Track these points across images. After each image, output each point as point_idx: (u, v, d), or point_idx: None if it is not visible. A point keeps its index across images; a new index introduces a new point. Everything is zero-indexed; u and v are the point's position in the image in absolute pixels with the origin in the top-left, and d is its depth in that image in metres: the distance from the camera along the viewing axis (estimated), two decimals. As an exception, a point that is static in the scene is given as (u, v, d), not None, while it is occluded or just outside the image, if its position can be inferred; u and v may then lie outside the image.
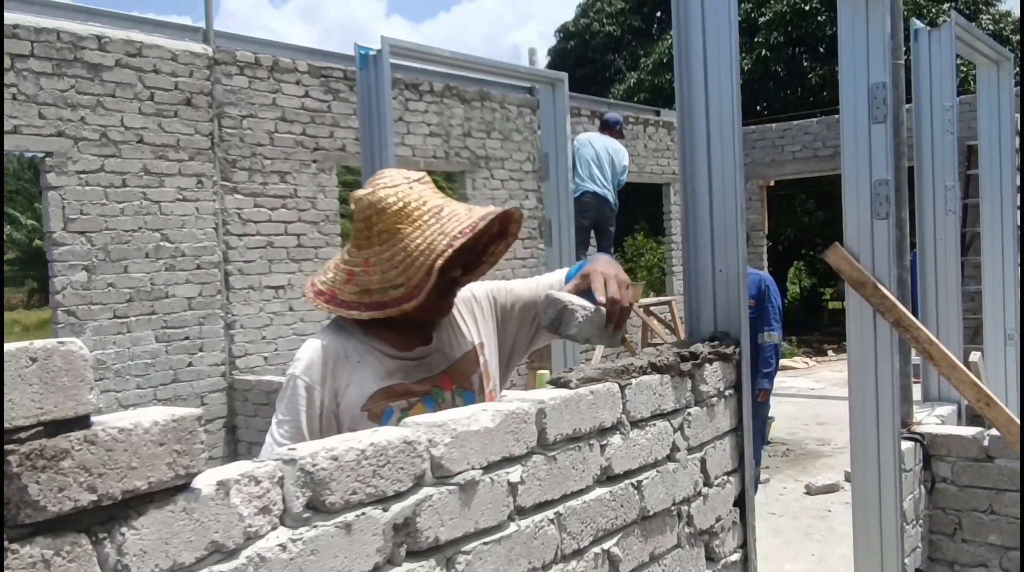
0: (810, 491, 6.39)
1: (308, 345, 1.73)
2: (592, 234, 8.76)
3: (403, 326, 1.74)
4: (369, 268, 1.68)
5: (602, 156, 8.37)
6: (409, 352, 1.76)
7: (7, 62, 6.08)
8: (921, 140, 3.80)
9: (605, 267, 1.77)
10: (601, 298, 1.68)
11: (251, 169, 7.46)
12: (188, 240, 7.05)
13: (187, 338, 7.04)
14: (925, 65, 3.75)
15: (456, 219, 1.68)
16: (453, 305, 1.82)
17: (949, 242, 3.82)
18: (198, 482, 0.96)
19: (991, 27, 17.37)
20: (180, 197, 7.02)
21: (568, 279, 1.89)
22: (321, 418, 1.67)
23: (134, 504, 0.89)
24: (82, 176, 6.47)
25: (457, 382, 1.81)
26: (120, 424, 0.89)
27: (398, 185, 1.69)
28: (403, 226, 1.65)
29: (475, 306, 1.92)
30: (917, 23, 3.80)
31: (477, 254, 1.88)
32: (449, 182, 13.06)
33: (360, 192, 1.72)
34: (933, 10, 16.15)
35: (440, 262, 1.61)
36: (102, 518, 0.87)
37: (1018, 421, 2.83)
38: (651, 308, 9.85)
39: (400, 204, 1.66)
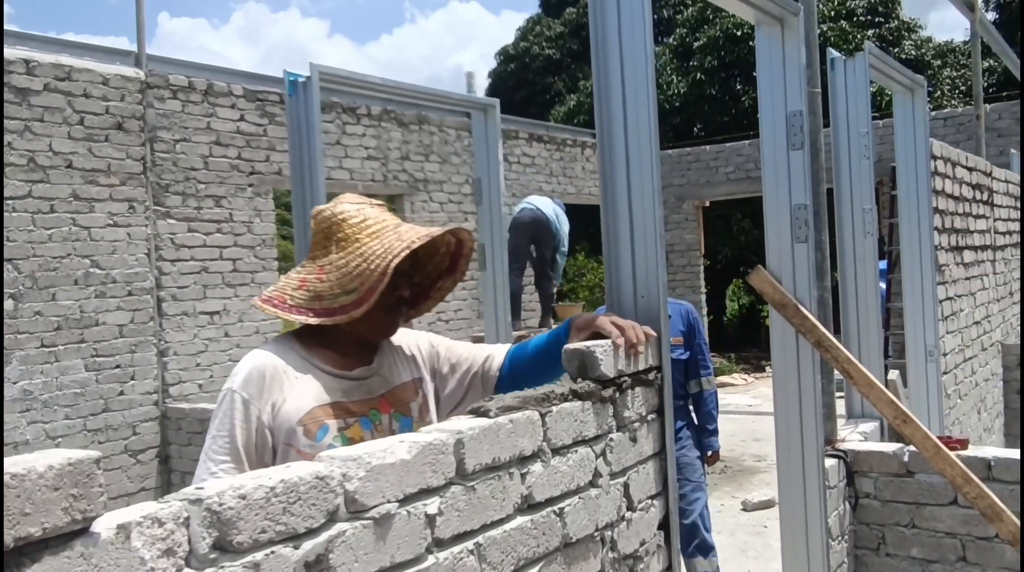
0: (746, 507, 6.49)
1: (247, 359, 1.73)
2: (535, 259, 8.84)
3: (346, 345, 1.77)
4: (323, 275, 1.72)
5: (547, 199, 8.66)
6: (349, 372, 1.78)
7: (-73, 85, 5.90)
8: (839, 165, 3.93)
9: (593, 317, 1.94)
10: (620, 341, 1.85)
11: (185, 193, 7.35)
12: (119, 266, 6.90)
13: (118, 366, 6.87)
14: (841, 93, 3.89)
15: (414, 230, 1.76)
16: (397, 327, 1.86)
17: (868, 263, 3.95)
18: (97, 526, 0.95)
19: (913, 53, 18.05)
20: (111, 222, 6.88)
21: (532, 347, 2.01)
22: (256, 433, 1.66)
23: (27, 552, 0.88)
24: (8, 202, 6.29)
25: (395, 407, 1.82)
26: (12, 469, 0.87)
27: (359, 204, 1.79)
28: (362, 236, 1.73)
29: (417, 348, 1.96)
30: (833, 52, 3.94)
31: (424, 290, 1.95)
32: (389, 205, 13.07)
33: (319, 207, 1.81)
34: (858, 36, 16.71)
35: (396, 262, 1.67)
36: (-8, 568, 0.85)
37: (934, 437, 2.93)
38: (591, 328, 9.92)
39: (361, 217, 1.75)
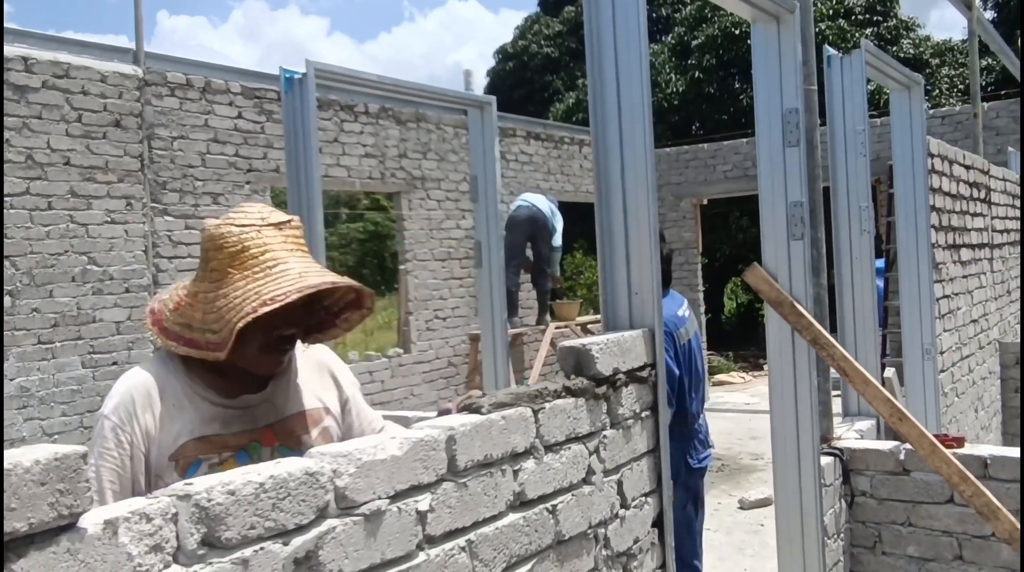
0: (743, 505, 6.49)
1: (123, 380, 1.62)
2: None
3: (230, 371, 1.63)
4: (195, 303, 1.59)
5: (541, 197, 8.71)
6: (232, 400, 1.65)
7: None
8: (836, 162, 3.92)
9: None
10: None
11: (182, 191, 7.34)
12: (117, 263, 6.89)
13: (115, 363, 6.86)
14: (838, 90, 3.89)
15: (285, 278, 1.55)
16: (280, 364, 1.68)
17: (864, 261, 3.95)
18: (84, 521, 0.95)
19: (911, 51, 18.03)
20: (108, 219, 6.87)
21: None
22: (131, 459, 1.56)
23: (13, 547, 0.87)
24: (6, 199, 6.28)
25: (282, 439, 1.68)
26: (-3, 465, 0.87)
27: (246, 226, 1.59)
28: (233, 271, 1.56)
29: (336, 382, 1.82)
30: (829, 50, 3.93)
31: (332, 315, 1.77)
32: (387, 202, 13.01)
33: (210, 222, 1.64)
34: (856, 34, 16.70)
35: (240, 325, 1.50)
36: (-23, 563, 0.85)
37: (930, 435, 2.93)
38: (589, 326, 9.95)
39: (239, 247, 1.57)
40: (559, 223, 8.91)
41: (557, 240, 8.95)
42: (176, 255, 7.28)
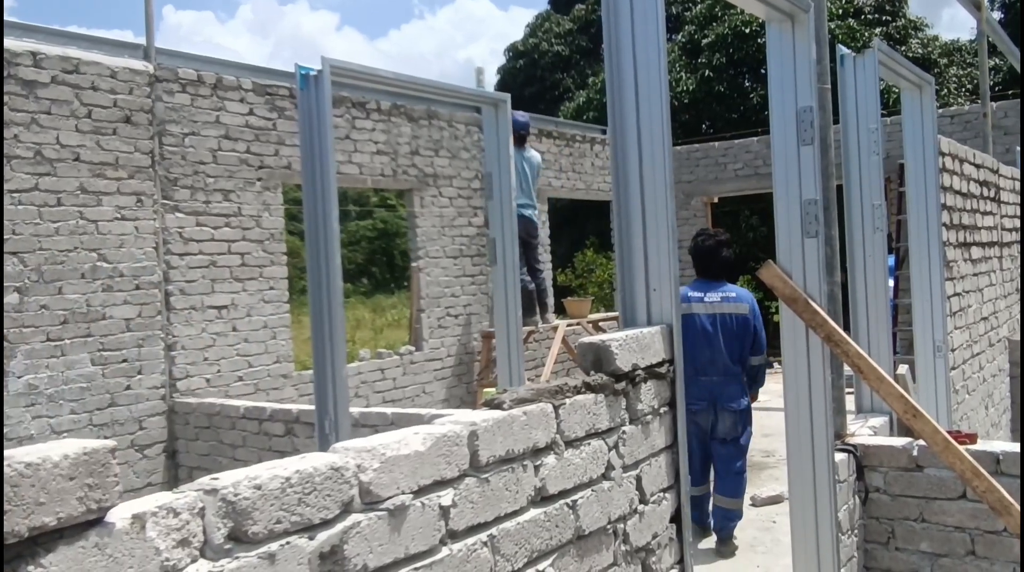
0: (755, 502, 6.46)
1: None
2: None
3: None
4: None
5: (527, 173, 8.71)
6: None
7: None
8: (849, 161, 3.91)
9: None
10: None
11: (193, 187, 7.35)
12: (127, 260, 6.90)
13: (125, 361, 6.88)
14: (851, 89, 3.87)
15: None
16: None
17: (877, 258, 3.94)
18: (112, 516, 0.95)
19: (920, 51, 17.97)
20: (119, 216, 6.88)
21: None
22: None
23: (42, 541, 0.87)
24: (15, 195, 6.29)
25: None
26: (27, 459, 0.87)
27: None
28: None
29: None
30: (843, 49, 3.92)
31: None
32: (397, 201, 13.01)
33: None
34: (866, 34, 16.65)
35: None
36: (8, 556, 0.85)
37: (943, 432, 2.92)
38: (600, 323, 9.94)
39: None
40: (539, 161, 9.13)
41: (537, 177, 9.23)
42: (187, 252, 7.29)
